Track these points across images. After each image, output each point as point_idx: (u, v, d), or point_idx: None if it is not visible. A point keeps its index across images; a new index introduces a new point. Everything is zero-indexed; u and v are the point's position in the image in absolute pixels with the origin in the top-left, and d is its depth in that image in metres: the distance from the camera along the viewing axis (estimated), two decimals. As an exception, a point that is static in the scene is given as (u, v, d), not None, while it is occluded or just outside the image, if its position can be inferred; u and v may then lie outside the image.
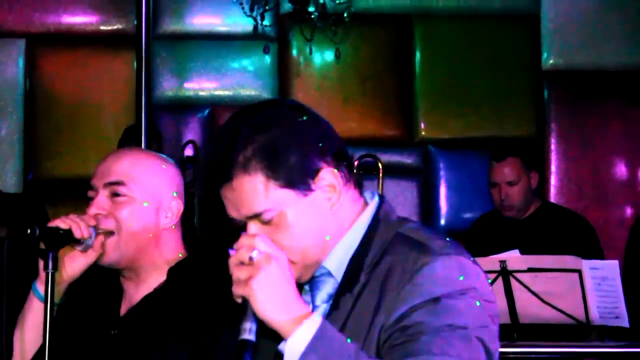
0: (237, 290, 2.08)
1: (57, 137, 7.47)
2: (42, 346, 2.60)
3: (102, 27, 7.62)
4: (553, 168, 7.38)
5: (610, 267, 4.68)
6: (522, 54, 7.57)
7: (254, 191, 2.21)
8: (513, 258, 4.74)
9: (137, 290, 2.93)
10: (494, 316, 2.21)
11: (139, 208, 2.87)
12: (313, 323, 2.05)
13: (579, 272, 4.64)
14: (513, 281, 4.65)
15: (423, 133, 7.40)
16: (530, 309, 4.71)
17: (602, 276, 4.65)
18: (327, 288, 2.29)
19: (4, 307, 2.67)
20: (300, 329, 2.04)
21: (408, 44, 7.55)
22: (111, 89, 7.47)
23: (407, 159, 7.41)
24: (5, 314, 2.70)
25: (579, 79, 7.53)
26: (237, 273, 2.08)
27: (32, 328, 2.83)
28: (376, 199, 2.35)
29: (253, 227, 2.23)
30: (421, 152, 7.39)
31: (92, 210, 2.86)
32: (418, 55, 7.55)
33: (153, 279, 2.92)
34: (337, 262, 2.27)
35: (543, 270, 4.68)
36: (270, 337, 2.11)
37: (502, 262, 4.67)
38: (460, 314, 2.12)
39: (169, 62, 7.54)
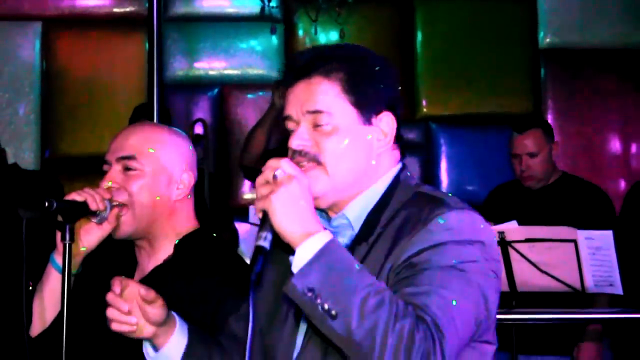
0: (259, 205, 2.15)
1: (72, 116, 7.48)
2: (60, 314, 2.61)
3: (115, 10, 7.62)
4: (549, 142, 7.35)
5: (605, 237, 4.67)
6: (519, 33, 7.56)
7: (325, 93, 2.31)
8: (511, 229, 4.73)
9: (149, 261, 2.95)
10: (497, 273, 2.24)
11: (150, 181, 2.87)
12: (323, 236, 2.11)
13: (575, 242, 4.64)
14: (511, 251, 4.65)
15: (424, 110, 7.40)
16: (528, 277, 4.71)
17: (597, 246, 4.65)
18: (343, 238, 2.33)
19: (24, 277, 2.68)
20: (310, 239, 2.09)
21: (409, 24, 7.55)
22: (124, 70, 7.47)
23: (409, 135, 7.41)
24: (25, 283, 2.71)
25: (574, 57, 7.53)
26: (261, 189, 2.16)
27: (50, 296, 2.84)
28: (399, 164, 2.40)
29: (304, 125, 2.31)
30: (423, 128, 7.39)
31: (105, 183, 2.86)
32: (419, 35, 7.54)
33: (164, 250, 2.93)
34: (356, 213, 2.33)
35: (540, 240, 4.68)
36: (286, 250, 2.17)
37: (501, 232, 4.67)
38: (465, 259, 2.17)
39: (179, 43, 7.54)
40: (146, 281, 2.87)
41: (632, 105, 7.51)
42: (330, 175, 2.29)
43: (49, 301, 2.84)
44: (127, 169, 2.88)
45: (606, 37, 7.51)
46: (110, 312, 2.38)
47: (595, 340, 5.44)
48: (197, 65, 7.58)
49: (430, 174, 7.42)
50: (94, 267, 2.94)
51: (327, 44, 2.40)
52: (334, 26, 6.96)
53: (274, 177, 2.15)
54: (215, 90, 7.57)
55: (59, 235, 2.72)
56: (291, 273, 2.10)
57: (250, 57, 7.57)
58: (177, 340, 2.43)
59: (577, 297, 4.79)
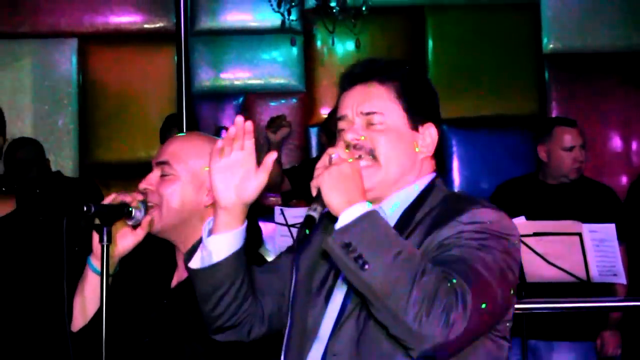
0: (314, 182, 2.21)
1: (107, 126, 7.51)
2: (100, 312, 2.61)
3: (145, 26, 7.65)
4: (554, 142, 7.32)
5: (608, 230, 4.65)
6: (524, 39, 7.55)
7: (380, 96, 2.38)
8: (520, 224, 4.69)
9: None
10: (515, 271, 2.26)
11: (180, 186, 2.87)
12: (366, 205, 2.16)
13: (580, 235, 4.62)
14: (520, 245, 4.63)
15: (437, 114, 7.36)
16: (536, 269, 4.70)
17: (601, 238, 4.63)
18: None
19: (65, 277, 2.69)
20: (352, 207, 2.14)
21: (421, 33, 7.55)
22: (154, 81, 7.50)
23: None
24: (66, 284, 2.73)
25: (577, 61, 7.51)
26: (318, 171, 2.23)
27: (90, 294, 2.84)
28: (433, 174, 2.46)
29: (358, 121, 2.38)
30: (435, 130, 7.34)
31: (142, 185, 2.88)
32: (430, 43, 7.54)
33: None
34: (394, 207, 2.37)
35: (547, 234, 4.66)
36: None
37: (514, 228, 4.64)
38: (490, 246, 2.20)
39: (206, 56, 7.57)
40: (185, 283, 2.86)
41: (633, 105, 7.49)
42: (384, 168, 2.35)
43: (89, 299, 2.85)
44: (163, 174, 2.89)
45: (607, 41, 7.48)
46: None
47: (616, 328, 5.43)
48: (222, 75, 7.60)
49: (442, 173, 7.36)
50: (134, 267, 2.94)
51: (377, 56, 2.47)
52: (350, 36, 6.95)
53: (330, 159, 2.23)
54: (240, 99, 7.59)
55: (96, 237, 2.73)
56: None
57: (272, 67, 7.59)
58: (233, 237, 2.38)
59: (583, 287, 4.77)
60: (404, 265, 2.05)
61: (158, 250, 2.97)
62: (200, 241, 2.43)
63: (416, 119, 2.39)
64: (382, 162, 2.35)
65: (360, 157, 2.34)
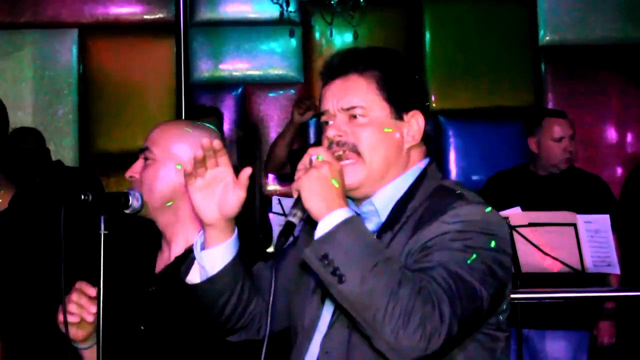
0: (295, 185, 2.18)
1: (107, 116, 7.50)
2: (97, 303, 2.60)
3: (145, 17, 7.63)
4: (550, 133, 7.32)
5: (602, 221, 4.65)
6: (520, 32, 7.53)
7: (360, 89, 2.33)
8: (515, 214, 4.71)
9: (170, 251, 2.91)
10: (505, 264, 2.21)
11: (160, 169, 2.84)
12: (346, 212, 2.12)
13: (574, 225, 4.62)
14: (515, 235, 4.64)
15: (433, 105, 7.37)
16: (531, 259, 4.69)
17: (595, 229, 4.62)
18: (370, 225, 2.33)
19: (63, 266, 2.68)
20: (332, 214, 2.11)
21: (418, 24, 7.53)
22: (154, 72, 7.48)
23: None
24: (64, 274, 2.71)
25: (573, 53, 7.49)
26: (298, 173, 2.18)
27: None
28: (427, 159, 2.41)
29: (340, 118, 2.34)
30: (432, 121, 7.36)
31: (127, 173, 2.88)
32: (427, 35, 7.52)
33: (181, 239, 2.88)
34: (384, 202, 2.33)
35: (542, 224, 4.66)
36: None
37: (505, 218, 4.63)
38: (475, 246, 2.15)
39: (205, 47, 7.55)
40: (170, 269, 2.83)
41: (628, 97, 7.47)
42: (368, 164, 2.30)
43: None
44: (145, 158, 2.88)
45: (603, 34, 7.47)
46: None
47: (611, 318, 5.44)
48: (221, 66, 7.59)
49: (439, 165, 7.37)
50: (119, 252, 2.92)
51: (355, 45, 2.45)
52: (348, 28, 6.94)
53: (310, 161, 2.18)
54: (239, 90, 7.57)
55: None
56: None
57: (271, 58, 7.57)
58: (225, 248, 2.36)
59: (578, 277, 4.77)
60: (380, 278, 2.01)
61: (140, 235, 2.95)
62: (192, 253, 2.41)
63: (399, 108, 2.34)
64: (366, 158, 2.30)
65: (344, 152, 2.30)
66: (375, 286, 2.00)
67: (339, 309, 2.21)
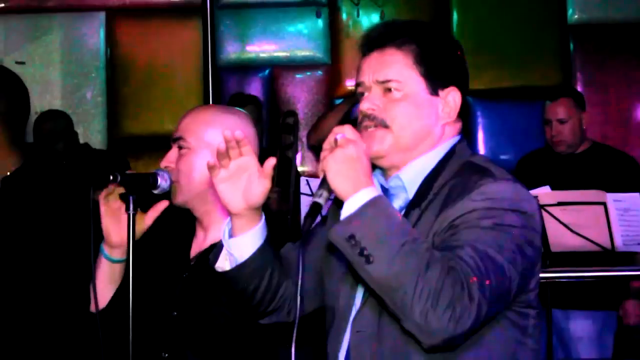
0: (320, 166, 2.16)
1: (134, 99, 7.51)
2: (126, 284, 2.60)
3: (172, -1, 7.64)
4: (579, 113, 7.29)
5: (633, 199, 4.61)
6: (549, 10, 7.47)
7: (396, 62, 2.31)
8: (544, 194, 4.69)
9: (205, 237, 2.92)
10: (535, 242, 2.19)
11: (195, 158, 2.85)
12: (372, 191, 2.10)
13: (604, 204, 4.58)
14: (545, 214, 4.61)
15: (462, 85, 7.32)
16: (560, 238, 4.66)
17: (625, 207, 4.59)
18: (399, 201, 2.32)
19: (92, 248, 2.68)
20: (358, 193, 2.08)
21: (446, 4, 7.49)
22: (181, 54, 7.48)
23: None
24: (93, 255, 2.72)
25: (601, 32, 7.42)
26: (324, 152, 2.16)
27: (102, 281, 2.85)
28: (458, 136, 2.39)
29: (375, 90, 2.32)
30: (460, 101, 7.29)
31: (163, 163, 2.87)
32: (455, 14, 7.48)
33: (219, 225, 2.84)
34: (412, 177, 2.31)
35: (571, 203, 4.63)
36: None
37: (535, 197, 4.61)
38: (504, 223, 2.13)
39: (232, 29, 7.54)
40: (204, 255, 2.84)
41: (657, 76, 7.41)
42: (396, 136, 2.28)
43: (101, 288, 2.84)
44: (180, 147, 2.88)
45: (632, 12, 7.39)
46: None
47: (638, 298, 5.41)
48: (248, 48, 7.57)
49: (467, 144, 7.34)
50: (152, 240, 2.93)
51: (397, 19, 2.43)
52: (375, 8, 6.91)
53: (336, 140, 2.15)
54: (266, 71, 7.56)
55: (108, 224, 2.75)
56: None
57: (298, 40, 7.55)
58: (253, 236, 2.34)
59: (607, 256, 4.73)
60: (408, 259, 1.99)
61: (176, 221, 2.95)
62: (221, 242, 2.41)
63: (436, 83, 2.31)
64: (395, 132, 2.28)
65: (375, 127, 2.28)
66: (403, 267, 1.99)
67: (368, 289, 2.19)
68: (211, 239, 2.88)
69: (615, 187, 4.94)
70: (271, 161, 2.28)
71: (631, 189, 4.90)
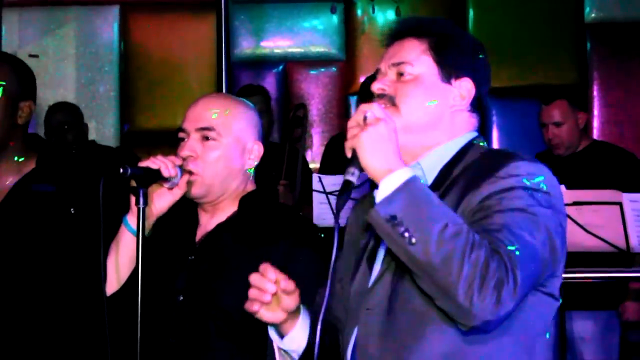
0: (349, 143, 2.13)
1: (148, 93, 7.51)
2: (135, 275, 2.58)
3: (187, -7, 7.63)
4: (595, 112, 7.26)
5: (649, 200, 4.58)
6: (566, 9, 7.44)
7: (412, 48, 2.34)
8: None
9: (212, 221, 2.92)
10: (563, 225, 2.19)
11: (225, 151, 2.85)
12: (406, 172, 2.08)
13: (620, 204, 4.55)
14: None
15: (477, 83, 7.30)
16: (575, 238, 4.61)
17: (641, 208, 4.56)
18: None
19: (102, 239, 2.66)
20: (393, 174, 2.07)
21: (462, 1, 7.47)
22: (195, 49, 7.47)
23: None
24: (103, 247, 2.70)
25: (618, 31, 7.38)
26: (352, 130, 2.14)
27: (124, 255, 2.81)
28: (475, 132, 2.38)
29: (389, 73, 2.35)
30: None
31: (185, 152, 2.84)
32: (471, 12, 7.45)
33: (227, 210, 2.91)
34: (431, 165, 2.30)
35: (587, 203, 4.59)
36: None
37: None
38: (533, 205, 2.13)
39: (246, 24, 7.53)
40: (210, 237, 2.85)
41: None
42: (403, 115, 2.27)
43: (123, 262, 2.82)
44: (205, 138, 2.85)
45: (649, 12, 7.36)
46: (252, 292, 2.23)
47: (637, 299, 5.38)
48: (263, 43, 7.56)
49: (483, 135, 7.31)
50: (161, 228, 2.91)
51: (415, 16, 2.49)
52: (391, 5, 6.88)
53: (364, 118, 2.12)
54: (280, 67, 7.55)
55: (133, 199, 2.70)
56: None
57: (313, 36, 7.53)
58: (302, 325, 2.33)
59: (623, 257, 4.70)
60: (453, 240, 1.98)
61: (178, 208, 2.93)
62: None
63: (449, 71, 2.32)
64: (402, 110, 2.28)
65: (385, 105, 2.27)
66: (448, 248, 1.98)
67: (398, 265, 2.17)
68: (216, 221, 2.90)
69: (617, 184, 4.91)
70: (291, 285, 2.23)
71: (632, 186, 4.88)
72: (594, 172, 5.33)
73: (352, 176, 2.12)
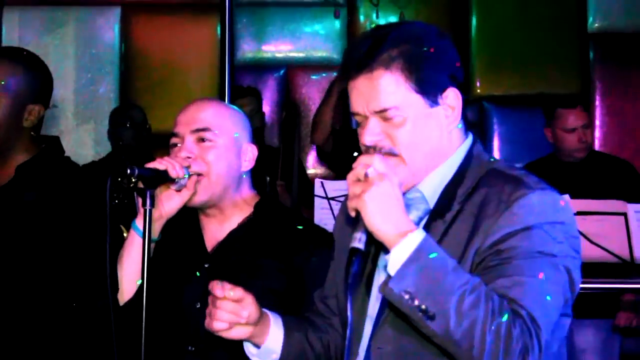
0: (352, 204, 2.03)
1: (149, 95, 7.47)
2: (141, 280, 2.55)
3: (188, -4, 7.61)
4: (597, 122, 7.24)
5: (654, 211, 4.57)
6: (569, 17, 7.42)
7: (388, 87, 2.15)
8: (564, 202, 4.62)
9: (221, 228, 2.90)
10: (578, 250, 2.14)
11: (224, 152, 2.83)
12: (417, 236, 1.99)
13: (625, 215, 4.53)
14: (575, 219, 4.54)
15: (478, 90, 7.29)
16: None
17: (646, 218, 4.55)
18: (417, 212, 2.22)
19: (108, 242, 2.61)
20: (404, 240, 1.98)
21: (465, 8, 7.44)
22: (196, 52, 7.44)
23: (463, 114, 7.31)
24: (109, 250, 2.65)
25: (621, 41, 7.37)
26: (353, 188, 2.04)
27: (137, 262, 2.73)
28: (470, 137, 2.28)
29: (373, 121, 2.18)
30: (476, 107, 7.27)
31: (183, 153, 2.82)
32: (474, 19, 7.43)
33: (235, 217, 2.89)
34: (431, 188, 2.21)
35: (591, 213, 4.56)
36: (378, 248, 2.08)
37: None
38: (551, 243, 2.05)
39: (248, 27, 7.50)
40: (224, 245, 2.83)
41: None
42: (408, 164, 2.16)
43: (135, 268, 2.76)
44: (201, 140, 2.83)
45: (652, 22, 7.36)
46: (218, 313, 2.24)
47: (631, 310, 5.35)
48: (264, 47, 7.54)
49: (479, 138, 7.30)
50: (169, 235, 2.88)
51: (382, 25, 2.25)
52: (394, 10, 6.87)
53: (366, 175, 2.02)
54: (282, 71, 7.53)
55: (140, 201, 2.67)
56: (387, 275, 2.01)
57: (314, 40, 7.51)
58: (275, 333, 2.32)
59: (627, 268, 4.67)
60: (472, 311, 1.92)
61: (180, 217, 2.90)
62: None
63: (432, 94, 2.17)
64: (406, 159, 2.16)
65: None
66: (468, 322, 1.92)
67: (394, 311, 2.11)
68: (227, 228, 2.88)
69: (618, 194, 4.89)
70: (238, 292, 2.24)
71: (633, 196, 4.86)
72: (596, 182, 5.31)
73: (359, 243, 2.04)
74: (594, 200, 4.69)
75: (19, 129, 3.14)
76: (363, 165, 2.03)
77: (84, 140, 7.36)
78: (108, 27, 7.52)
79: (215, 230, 2.90)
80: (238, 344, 2.36)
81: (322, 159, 6.52)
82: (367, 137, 2.17)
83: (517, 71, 7.35)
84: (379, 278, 2.24)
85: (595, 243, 4.56)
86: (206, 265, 2.85)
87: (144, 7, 7.57)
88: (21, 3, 7.47)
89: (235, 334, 2.26)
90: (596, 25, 7.38)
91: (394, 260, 1.97)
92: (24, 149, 3.16)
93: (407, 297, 1.95)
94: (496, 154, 7.31)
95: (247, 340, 2.32)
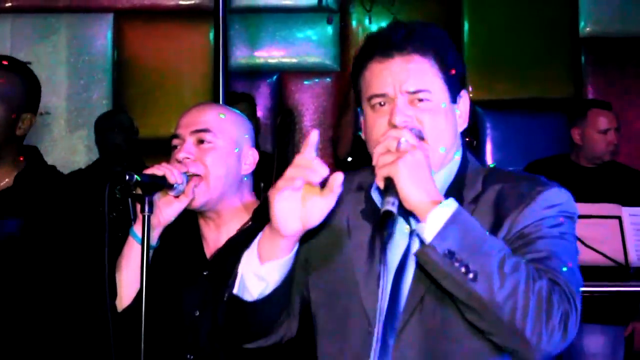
0: (383, 172, 2.04)
1: (141, 101, 7.45)
2: (140, 286, 2.55)
3: (181, 2, 7.58)
4: (590, 126, 7.23)
5: (649, 214, 4.58)
6: (561, 22, 7.44)
7: (425, 72, 2.20)
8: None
9: (219, 234, 2.89)
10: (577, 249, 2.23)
11: (223, 154, 2.82)
12: (452, 203, 2.03)
13: (619, 218, 4.54)
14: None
15: (471, 95, 7.25)
16: (573, 252, 4.60)
17: (641, 222, 4.56)
18: None
19: (107, 248, 2.61)
20: (440, 206, 2.01)
21: (457, 14, 7.45)
22: (190, 58, 7.43)
23: (455, 119, 7.31)
24: (107, 259, 2.64)
25: (613, 45, 7.39)
26: (384, 158, 2.05)
27: (135, 269, 2.73)
28: (459, 140, 2.31)
29: (402, 99, 2.19)
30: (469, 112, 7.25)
31: (181, 154, 2.81)
32: (466, 24, 7.44)
33: (234, 222, 2.88)
34: (439, 187, 2.19)
35: (586, 217, 4.57)
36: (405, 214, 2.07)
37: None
38: (567, 231, 2.14)
39: (241, 34, 7.49)
40: (224, 251, 2.82)
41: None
42: (432, 149, 2.17)
43: (134, 275, 2.74)
44: (200, 141, 2.82)
45: (643, 27, 7.38)
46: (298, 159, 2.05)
47: None
48: (257, 53, 7.53)
49: (475, 156, 7.29)
50: (167, 241, 2.88)
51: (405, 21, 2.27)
52: (387, 16, 6.86)
53: (398, 145, 2.05)
54: (275, 77, 7.52)
55: (139, 207, 2.66)
56: (420, 240, 2.03)
57: (307, 46, 7.50)
58: (288, 261, 2.13)
59: (621, 271, 4.67)
60: (514, 274, 1.95)
61: (178, 223, 2.90)
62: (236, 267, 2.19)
63: (454, 90, 2.25)
64: (431, 143, 2.18)
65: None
66: (511, 283, 1.94)
67: (440, 291, 2.06)
68: (226, 236, 2.86)
69: (629, 204, 4.89)
70: (339, 178, 2.02)
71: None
72: (609, 190, 5.28)
73: (392, 206, 2.01)
74: (588, 204, 4.70)
75: (12, 138, 3.15)
76: (393, 137, 2.06)
77: (76, 147, 7.34)
78: (101, 34, 7.50)
79: (215, 237, 2.90)
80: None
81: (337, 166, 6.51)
82: (398, 116, 2.18)
83: (510, 76, 7.36)
84: (394, 250, 2.19)
85: (589, 246, 4.57)
86: (205, 273, 2.83)
87: (136, 13, 7.55)
88: (13, 10, 7.45)
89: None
90: (588, 29, 7.40)
91: (432, 224, 1.98)
92: (12, 157, 3.16)
93: (450, 257, 1.96)
94: (489, 158, 7.32)
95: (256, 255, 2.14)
